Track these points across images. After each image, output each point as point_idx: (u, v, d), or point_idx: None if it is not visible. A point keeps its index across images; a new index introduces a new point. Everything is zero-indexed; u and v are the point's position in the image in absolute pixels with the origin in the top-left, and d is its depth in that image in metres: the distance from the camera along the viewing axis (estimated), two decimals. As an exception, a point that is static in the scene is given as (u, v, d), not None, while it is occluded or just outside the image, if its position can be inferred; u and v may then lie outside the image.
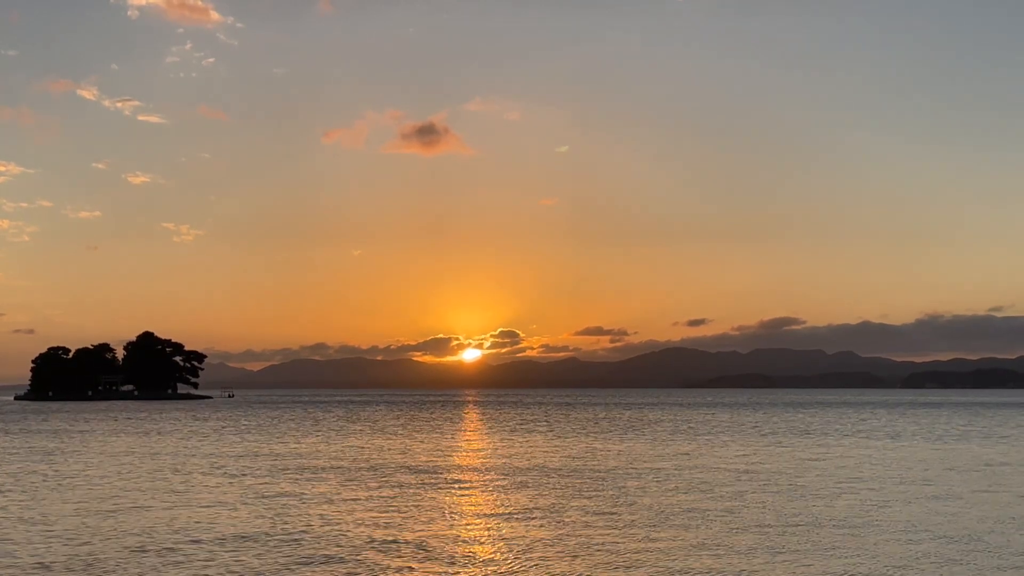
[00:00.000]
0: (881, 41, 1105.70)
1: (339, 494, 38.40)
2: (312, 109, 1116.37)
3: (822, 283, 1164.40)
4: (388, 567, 23.53)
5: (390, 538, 27.59)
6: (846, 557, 24.63)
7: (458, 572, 23.00)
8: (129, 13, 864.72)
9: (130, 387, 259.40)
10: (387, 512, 32.97)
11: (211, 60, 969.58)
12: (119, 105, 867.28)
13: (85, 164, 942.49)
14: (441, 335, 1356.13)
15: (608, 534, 28.08)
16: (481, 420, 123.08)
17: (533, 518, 31.41)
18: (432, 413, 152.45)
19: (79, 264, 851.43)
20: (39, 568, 23.79)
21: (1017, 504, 35.01)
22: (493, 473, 47.45)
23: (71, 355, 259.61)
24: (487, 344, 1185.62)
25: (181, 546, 26.52)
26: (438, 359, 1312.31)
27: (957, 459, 55.44)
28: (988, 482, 42.65)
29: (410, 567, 23.53)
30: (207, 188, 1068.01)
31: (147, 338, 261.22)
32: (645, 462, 53.21)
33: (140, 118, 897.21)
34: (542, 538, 27.46)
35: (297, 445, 69.81)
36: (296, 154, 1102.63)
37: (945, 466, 50.73)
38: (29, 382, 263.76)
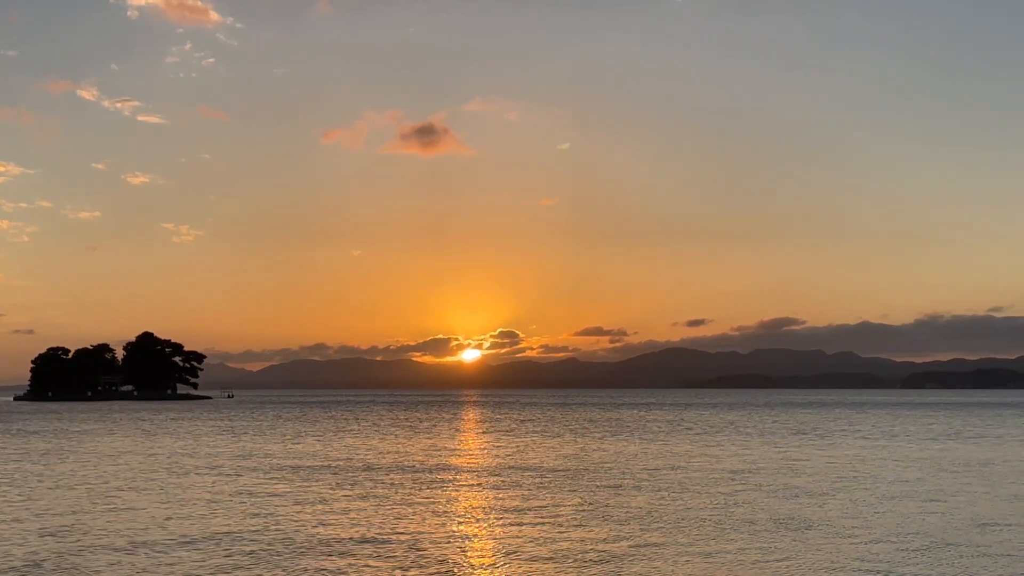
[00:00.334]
0: (881, 41, 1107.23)
1: (333, 494, 38.49)
2: (312, 109, 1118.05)
3: (822, 283, 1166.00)
4: (379, 566, 23.61)
5: (382, 537, 27.68)
6: (834, 557, 24.72)
7: (448, 571, 23.09)
8: (129, 13, 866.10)
9: (130, 387, 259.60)
10: (380, 511, 33.05)
11: (211, 60, 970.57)
12: (119, 105, 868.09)
13: (85, 164, 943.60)
14: (441, 335, 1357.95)
15: (600, 534, 28.17)
16: (478, 420, 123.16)
17: (526, 518, 31.50)
18: (430, 413, 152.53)
19: (79, 264, 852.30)
20: (31, 567, 23.88)
21: (1008, 504, 35.09)
22: (487, 473, 47.53)
23: (71, 355, 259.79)
24: (487, 344, 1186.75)
25: (173, 546, 26.62)
26: (438, 359, 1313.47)
27: (952, 459, 55.52)
28: (981, 482, 42.73)
29: (402, 566, 23.62)
30: (207, 188, 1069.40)
31: (147, 338, 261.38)
32: (640, 462, 53.30)
33: (140, 118, 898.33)
34: (534, 538, 27.55)
35: (294, 445, 69.90)
36: (296, 154, 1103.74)
37: (939, 466, 50.82)
38: (29, 382, 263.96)
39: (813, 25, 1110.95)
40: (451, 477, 45.67)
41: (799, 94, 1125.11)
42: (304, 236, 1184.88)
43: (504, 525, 30.11)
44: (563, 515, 32.06)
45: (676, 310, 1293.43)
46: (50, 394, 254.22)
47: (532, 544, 26.56)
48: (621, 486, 40.85)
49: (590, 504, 34.90)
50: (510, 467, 50.90)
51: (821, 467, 50.14)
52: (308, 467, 51.22)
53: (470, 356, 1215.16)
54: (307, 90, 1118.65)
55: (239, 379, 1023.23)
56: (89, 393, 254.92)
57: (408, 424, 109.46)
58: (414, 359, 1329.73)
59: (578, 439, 76.83)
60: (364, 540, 27.32)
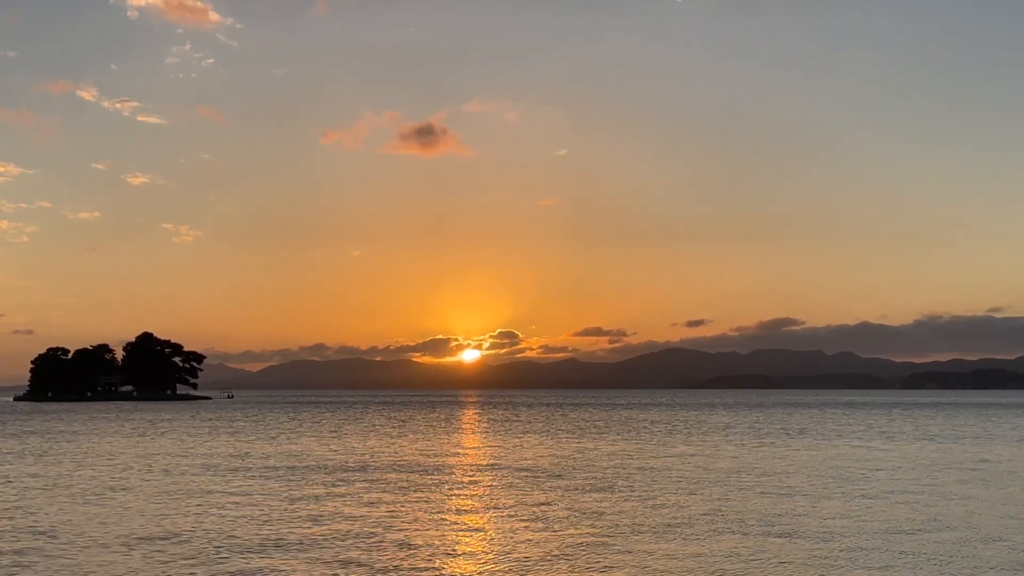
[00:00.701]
0: (881, 41, 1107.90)
1: (328, 494, 38.53)
2: (311, 109, 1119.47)
3: (822, 283, 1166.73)
4: (371, 565, 23.66)
5: (375, 537, 27.73)
6: (825, 557, 24.77)
7: (439, 571, 23.15)
8: (128, 14, 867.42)
9: (129, 388, 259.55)
10: (373, 511, 33.10)
11: (210, 61, 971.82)
12: (118, 106, 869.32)
13: (84, 165, 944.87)
14: (440, 336, 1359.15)
15: (591, 535, 28.22)
16: (476, 421, 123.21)
17: (519, 518, 31.55)
18: (429, 414, 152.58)
19: (79, 265, 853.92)
20: (22, 567, 23.93)
21: (1002, 504, 35.14)
22: (483, 474, 47.59)
23: (70, 356, 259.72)
24: (486, 345, 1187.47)
25: (169, 547, 26.67)
26: (437, 360, 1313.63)
27: (948, 459, 55.57)
28: (976, 482, 42.78)
29: (394, 565, 23.67)
30: (206, 188, 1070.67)
31: (146, 339, 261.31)
32: (636, 463, 53.35)
33: (139, 119, 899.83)
34: (526, 538, 27.60)
35: (291, 446, 69.96)
36: (295, 154, 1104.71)
37: (935, 466, 50.87)
38: (28, 383, 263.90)
39: (813, 25, 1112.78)
40: (445, 477, 45.72)
41: (799, 94, 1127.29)
42: (304, 236, 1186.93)
43: (495, 525, 30.15)
44: (555, 515, 32.11)
45: (676, 310, 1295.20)
46: (50, 395, 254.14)
47: (523, 544, 26.61)
48: (614, 487, 40.90)
49: (582, 504, 34.94)
50: (504, 467, 50.95)
51: (816, 468, 50.19)
52: (304, 467, 51.27)
53: (470, 356, 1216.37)
54: (306, 90, 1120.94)
55: (239, 379, 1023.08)
56: (89, 394, 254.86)
57: (406, 424, 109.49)
58: (414, 359, 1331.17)
59: (574, 440, 76.89)
60: (356, 539, 27.35)
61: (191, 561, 24.48)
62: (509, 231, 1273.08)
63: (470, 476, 46.32)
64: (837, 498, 36.77)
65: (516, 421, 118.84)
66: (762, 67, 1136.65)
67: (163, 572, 23.21)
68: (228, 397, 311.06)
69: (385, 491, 39.63)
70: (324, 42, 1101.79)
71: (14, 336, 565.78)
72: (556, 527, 29.58)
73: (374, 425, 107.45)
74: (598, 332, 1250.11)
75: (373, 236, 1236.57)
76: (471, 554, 25.31)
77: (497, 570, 23.29)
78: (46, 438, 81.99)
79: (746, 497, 37.04)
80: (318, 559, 24.61)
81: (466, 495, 38.42)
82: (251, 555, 25.18)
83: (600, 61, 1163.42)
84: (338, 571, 23.17)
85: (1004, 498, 37.09)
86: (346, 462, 54.53)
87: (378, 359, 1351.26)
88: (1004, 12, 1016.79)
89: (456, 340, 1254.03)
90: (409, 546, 26.37)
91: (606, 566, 23.66)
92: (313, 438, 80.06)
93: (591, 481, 43.24)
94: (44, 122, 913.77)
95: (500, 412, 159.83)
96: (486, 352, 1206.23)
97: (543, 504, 35.09)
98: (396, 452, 62.83)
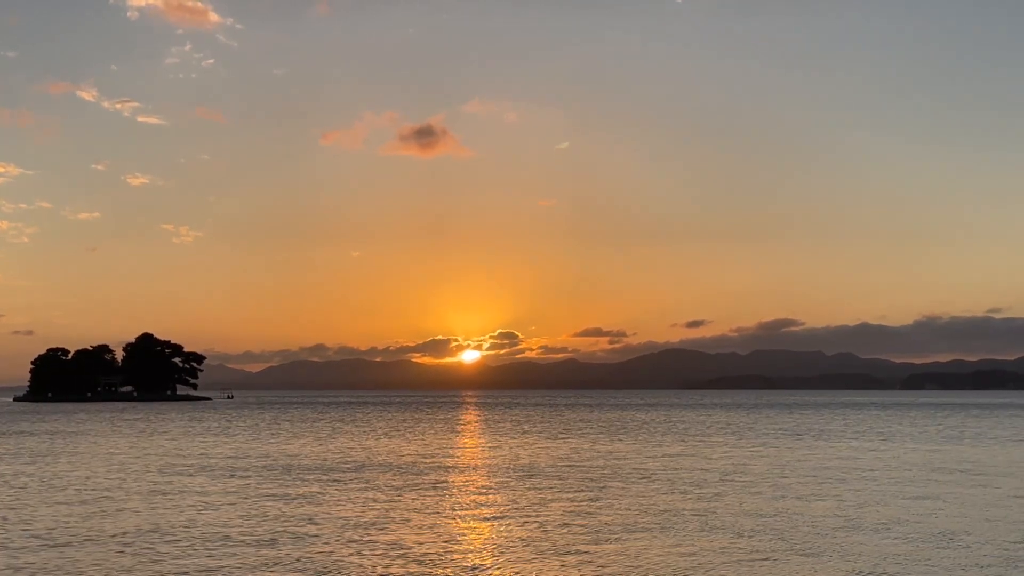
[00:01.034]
0: (881, 41, 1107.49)
1: (323, 494, 38.62)
2: (311, 110, 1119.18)
3: (821, 284, 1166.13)
4: (364, 566, 23.74)
5: (368, 538, 27.81)
6: (817, 557, 24.84)
7: (431, 571, 23.21)
8: (128, 14, 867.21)
9: (129, 388, 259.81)
10: (368, 512, 33.18)
11: (210, 61, 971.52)
12: (118, 106, 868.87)
13: (84, 165, 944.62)
14: (440, 336, 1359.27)
15: (584, 535, 28.30)
16: (475, 421, 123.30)
17: (512, 518, 31.63)
18: (428, 414, 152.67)
19: (79, 265, 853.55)
20: (15, 569, 24.00)
21: (996, 505, 35.21)
22: (478, 474, 47.68)
23: (70, 356, 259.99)
24: (486, 345, 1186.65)
25: (160, 547, 26.74)
26: (437, 360, 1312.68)
27: (944, 460, 55.64)
28: (971, 483, 42.85)
29: (386, 566, 23.74)
30: (206, 189, 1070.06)
31: (146, 339, 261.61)
32: (631, 463, 53.44)
33: (139, 119, 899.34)
34: (519, 538, 27.67)
35: (288, 446, 70.05)
36: (295, 155, 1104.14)
37: (931, 467, 50.94)
38: (28, 383, 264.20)
39: (813, 25, 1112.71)
40: (441, 478, 45.80)
41: (799, 94, 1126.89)
42: (304, 237, 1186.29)
43: (490, 524, 30.24)
44: (550, 515, 32.18)
45: (675, 311, 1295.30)
46: (50, 395, 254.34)
47: (518, 544, 26.69)
48: (610, 487, 40.98)
49: (577, 504, 35.03)
50: (501, 467, 51.02)
51: (812, 468, 50.27)
52: (301, 467, 51.34)
53: (469, 357, 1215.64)
54: (306, 91, 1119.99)
55: (238, 380, 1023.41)
56: (89, 394, 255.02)
57: (404, 425, 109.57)
58: (413, 360, 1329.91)
59: (572, 440, 76.97)
60: (350, 540, 27.43)
61: (183, 561, 24.57)
62: (509, 231, 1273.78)
63: (466, 476, 46.40)
64: (831, 499, 36.84)
65: (514, 421, 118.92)
66: (762, 67, 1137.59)
67: (155, 571, 23.30)
68: (228, 398, 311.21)
69: (380, 491, 39.72)
70: (324, 42, 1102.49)
71: (14, 336, 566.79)
72: (550, 527, 29.64)
73: (372, 425, 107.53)
74: (598, 332, 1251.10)
75: (373, 236, 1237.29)
76: (465, 553, 25.39)
77: (492, 570, 23.36)
78: (45, 438, 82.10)
79: (740, 497, 37.10)
80: (312, 559, 24.69)
81: (461, 495, 38.48)
82: (245, 554, 25.27)
83: (600, 61, 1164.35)
84: (331, 571, 23.25)
85: (998, 498, 37.14)
86: (343, 462, 54.62)
87: (378, 360, 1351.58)
88: (1004, 12, 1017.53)
89: (456, 341, 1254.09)
90: (402, 546, 26.46)
91: (600, 565, 23.74)
92: (311, 438, 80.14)
93: (586, 481, 43.30)
94: (44, 122, 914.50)
95: (499, 413, 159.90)
96: (486, 353, 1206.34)
97: (537, 504, 35.15)
98: (393, 452, 62.92)
